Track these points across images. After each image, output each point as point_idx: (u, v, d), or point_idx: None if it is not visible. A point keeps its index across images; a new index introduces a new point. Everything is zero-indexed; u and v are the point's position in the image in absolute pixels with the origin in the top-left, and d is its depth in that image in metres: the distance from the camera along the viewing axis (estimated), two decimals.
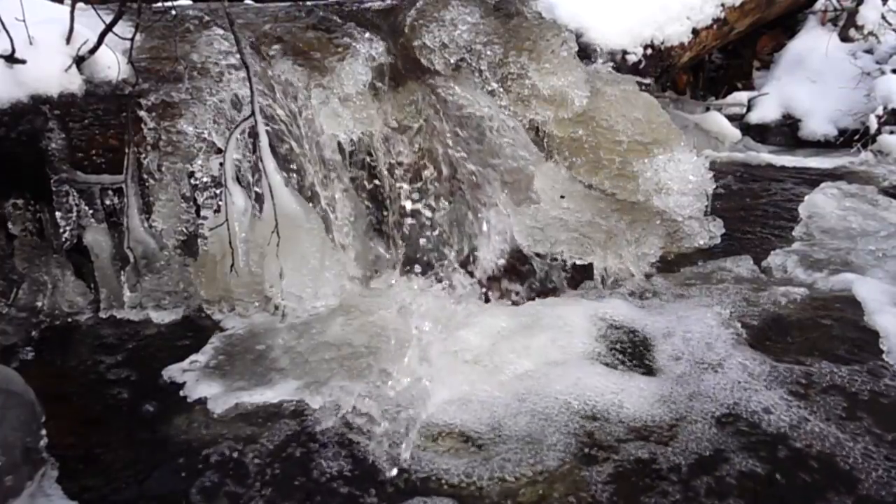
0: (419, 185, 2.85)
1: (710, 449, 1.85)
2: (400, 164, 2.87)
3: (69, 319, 2.64)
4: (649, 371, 2.21)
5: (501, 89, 3.14)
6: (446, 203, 2.82)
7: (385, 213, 2.87)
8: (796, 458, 1.81)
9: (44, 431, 1.84)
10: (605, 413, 2.01)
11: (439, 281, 2.73)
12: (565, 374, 2.18)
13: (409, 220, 2.82)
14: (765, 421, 1.94)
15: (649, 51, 3.80)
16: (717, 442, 1.87)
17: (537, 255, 2.78)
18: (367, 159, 2.88)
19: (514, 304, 2.65)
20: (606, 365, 2.24)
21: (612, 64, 3.59)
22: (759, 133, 4.78)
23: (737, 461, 1.80)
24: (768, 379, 2.11)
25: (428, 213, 2.82)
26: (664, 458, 1.82)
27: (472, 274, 2.73)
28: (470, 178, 2.87)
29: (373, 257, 2.82)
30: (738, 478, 1.75)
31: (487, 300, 2.66)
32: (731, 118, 4.79)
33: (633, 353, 2.30)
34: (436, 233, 2.80)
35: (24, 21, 2.37)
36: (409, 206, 2.84)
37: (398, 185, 2.85)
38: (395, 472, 1.84)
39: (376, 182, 2.88)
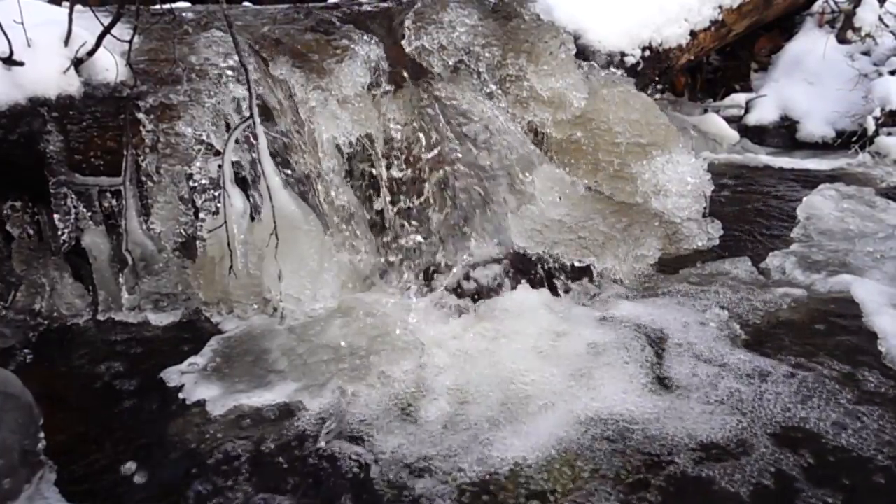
0: (418, 186, 2.85)
1: (748, 462, 1.83)
2: (398, 165, 2.86)
3: (67, 322, 2.64)
4: (659, 379, 2.17)
5: (500, 91, 3.15)
6: (445, 204, 2.82)
7: (384, 215, 2.86)
8: (799, 460, 1.81)
9: (42, 434, 1.84)
10: (630, 428, 1.96)
11: (438, 282, 2.73)
12: (580, 382, 2.15)
13: (407, 222, 2.82)
14: (771, 425, 1.94)
15: (647, 53, 3.80)
16: (748, 454, 1.85)
17: (536, 256, 2.78)
18: (365, 161, 2.88)
19: (514, 306, 2.64)
20: (618, 372, 2.20)
21: (610, 66, 3.59)
22: (757, 135, 4.78)
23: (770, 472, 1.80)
24: (773, 383, 2.11)
25: (427, 215, 2.82)
26: (691, 473, 1.81)
27: (471, 276, 2.73)
28: (469, 180, 2.87)
29: (371, 259, 2.82)
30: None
31: (482, 299, 2.66)
32: (729, 120, 4.79)
33: (639, 359, 2.27)
34: (435, 234, 2.80)
35: (22, 23, 2.37)
36: (407, 207, 2.84)
37: (396, 186, 2.85)
38: (399, 478, 1.82)
39: (374, 183, 2.88)
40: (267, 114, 2.64)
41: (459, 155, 2.89)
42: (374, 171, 2.88)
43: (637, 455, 1.87)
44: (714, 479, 1.77)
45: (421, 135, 2.88)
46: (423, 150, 2.87)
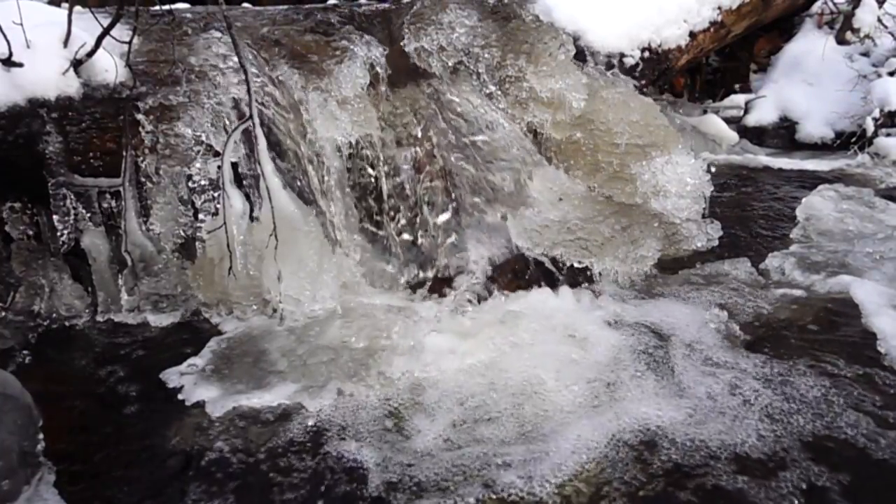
0: (417, 187, 2.84)
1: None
2: (397, 166, 2.86)
3: (66, 323, 2.64)
4: (675, 385, 2.13)
5: (499, 92, 3.15)
6: (444, 206, 2.82)
7: (383, 216, 2.86)
8: (831, 469, 1.80)
9: (41, 435, 1.84)
10: (649, 439, 1.90)
11: (437, 283, 2.73)
12: (589, 389, 2.12)
13: (407, 223, 2.82)
14: (795, 431, 1.93)
15: (647, 54, 3.80)
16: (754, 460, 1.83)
17: (535, 257, 2.78)
18: (365, 162, 2.88)
19: (515, 308, 2.64)
20: (634, 380, 2.17)
21: (609, 67, 3.59)
22: (756, 135, 4.79)
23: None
24: (787, 386, 2.10)
25: (426, 216, 2.82)
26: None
27: (469, 278, 2.73)
28: (468, 180, 2.87)
29: (370, 260, 2.82)
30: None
31: (483, 301, 2.65)
32: (728, 121, 4.79)
33: (650, 364, 2.25)
34: (434, 235, 2.80)
35: (21, 24, 2.37)
36: (406, 208, 2.84)
37: (396, 187, 2.85)
38: (397, 497, 1.79)
39: (374, 184, 2.87)
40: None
41: (458, 155, 2.89)
42: (372, 171, 2.87)
43: (666, 466, 1.79)
44: (748, 491, 1.72)
45: (419, 135, 2.88)
46: (421, 150, 2.86)
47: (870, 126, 4.37)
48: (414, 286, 2.74)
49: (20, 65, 2.40)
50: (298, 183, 2.68)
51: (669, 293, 2.67)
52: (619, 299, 2.65)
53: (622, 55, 3.66)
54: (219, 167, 2.55)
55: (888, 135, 4.36)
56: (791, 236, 3.19)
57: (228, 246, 2.51)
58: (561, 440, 1.91)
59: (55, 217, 2.53)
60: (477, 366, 2.27)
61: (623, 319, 2.50)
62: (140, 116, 2.55)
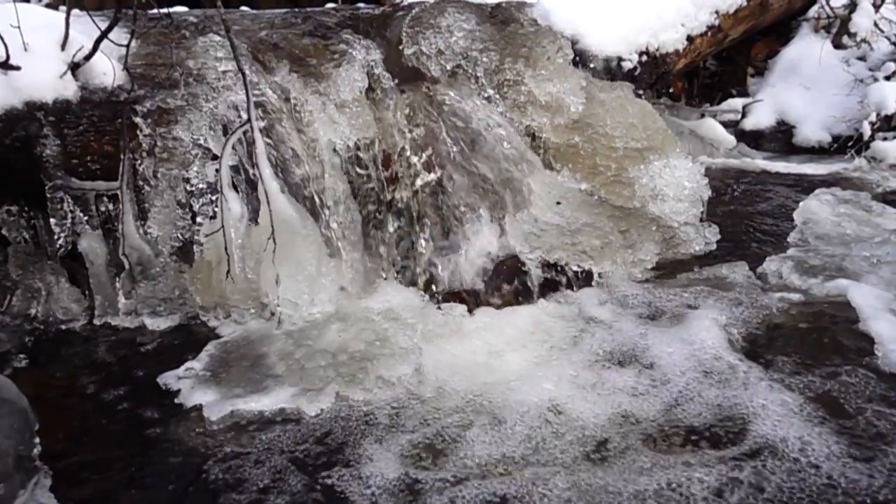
0: (414, 189, 2.84)
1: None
2: (395, 168, 2.86)
3: (63, 326, 2.63)
4: (665, 390, 2.13)
5: (498, 96, 3.15)
6: (443, 208, 2.82)
7: (381, 219, 2.86)
8: (796, 473, 1.81)
9: (37, 439, 1.83)
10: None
11: (436, 287, 2.73)
12: (597, 397, 2.10)
13: (405, 225, 2.82)
14: (774, 437, 1.93)
15: (644, 57, 3.81)
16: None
17: (534, 261, 2.78)
18: (363, 164, 2.88)
19: (514, 313, 2.63)
20: (627, 383, 2.17)
21: (607, 71, 3.60)
22: (753, 139, 4.80)
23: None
24: (774, 389, 2.10)
25: (424, 218, 2.82)
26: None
27: (468, 281, 2.73)
28: (466, 183, 2.87)
29: (369, 264, 2.82)
30: None
31: (482, 306, 2.65)
32: (725, 124, 4.80)
33: (645, 369, 2.24)
34: (432, 238, 2.79)
35: (18, 27, 2.37)
36: (404, 210, 2.84)
37: (394, 190, 2.85)
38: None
39: (372, 188, 2.87)
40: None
41: (457, 159, 2.89)
42: (370, 174, 2.87)
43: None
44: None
45: (417, 139, 2.88)
46: (419, 154, 2.87)
47: (866, 130, 4.38)
48: (413, 289, 2.74)
49: (17, 68, 2.39)
50: (296, 186, 2.68)
51: (667, 297, 2.67)
52: (618, 301, 2.65)
53: (620, 59, 3.66)
54: (217, 170, 2.55)
55: (885, 139, 4.38)
56: (788, 240, 3.19)
57: (226, 249, 2.50)
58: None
59: (52, 220, 2.53)
60: (476, 370, 2.27)
61: (622, 322, 2.49)
62: (138, 120, 2.55)
